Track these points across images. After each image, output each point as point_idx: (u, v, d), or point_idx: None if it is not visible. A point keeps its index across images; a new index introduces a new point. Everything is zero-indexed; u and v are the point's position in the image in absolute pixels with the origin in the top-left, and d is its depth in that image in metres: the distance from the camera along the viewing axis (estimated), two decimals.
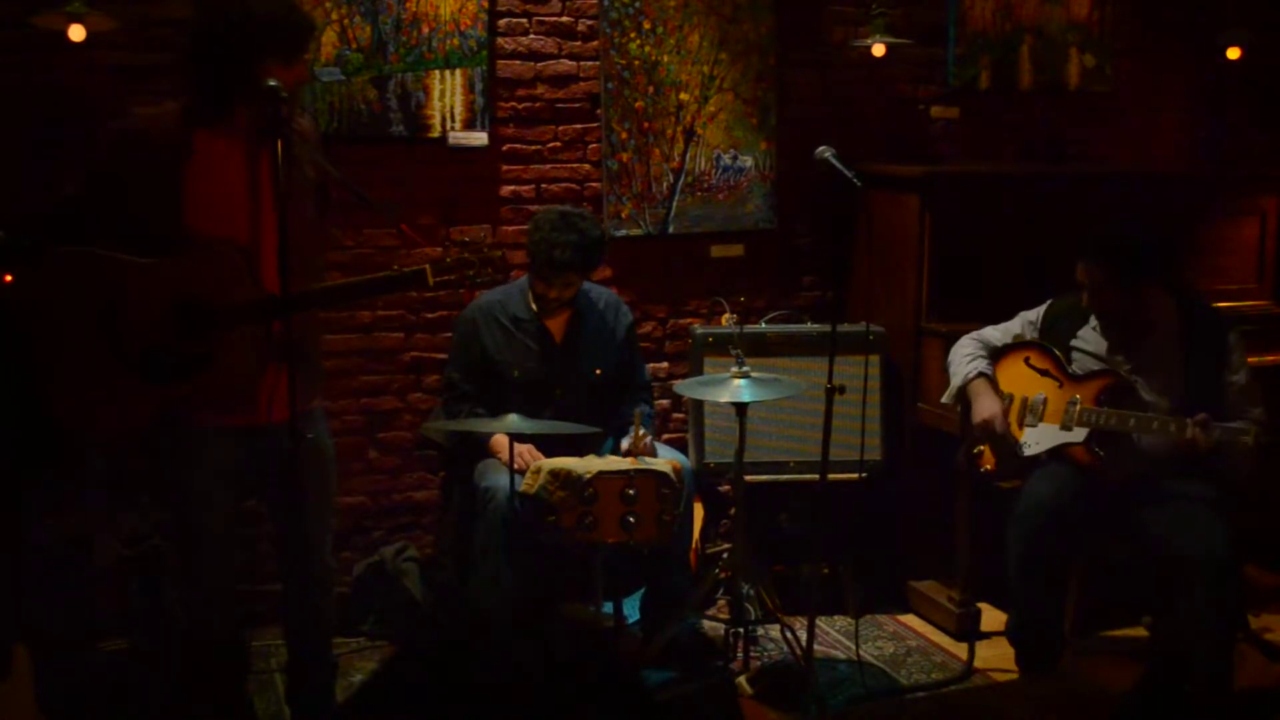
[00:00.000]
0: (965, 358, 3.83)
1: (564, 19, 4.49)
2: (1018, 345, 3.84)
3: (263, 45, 2.89)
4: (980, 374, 3.76)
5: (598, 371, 4.02)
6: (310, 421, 3.15)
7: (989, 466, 3.81)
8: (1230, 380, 3.61)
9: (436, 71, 4.29)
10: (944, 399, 3.90)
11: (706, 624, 4.22)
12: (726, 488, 4.46)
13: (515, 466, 3.68)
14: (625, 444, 3.76)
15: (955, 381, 3.82)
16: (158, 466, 3.23)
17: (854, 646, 4.00)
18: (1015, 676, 3.79)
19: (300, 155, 3.03)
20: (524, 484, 3.57)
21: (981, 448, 3.77)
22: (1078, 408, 3.62)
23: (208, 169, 2.95)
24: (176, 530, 3.33)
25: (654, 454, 3.84)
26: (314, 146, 3.15)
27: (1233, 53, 5.16)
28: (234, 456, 3.09)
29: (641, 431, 3.74)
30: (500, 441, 3.84)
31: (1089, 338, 3.75)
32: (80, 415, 3.01)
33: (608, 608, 3.79)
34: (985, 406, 3.69)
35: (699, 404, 4.30)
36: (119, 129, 3.03)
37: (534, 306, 3.98)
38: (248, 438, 3.07)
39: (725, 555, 4.22)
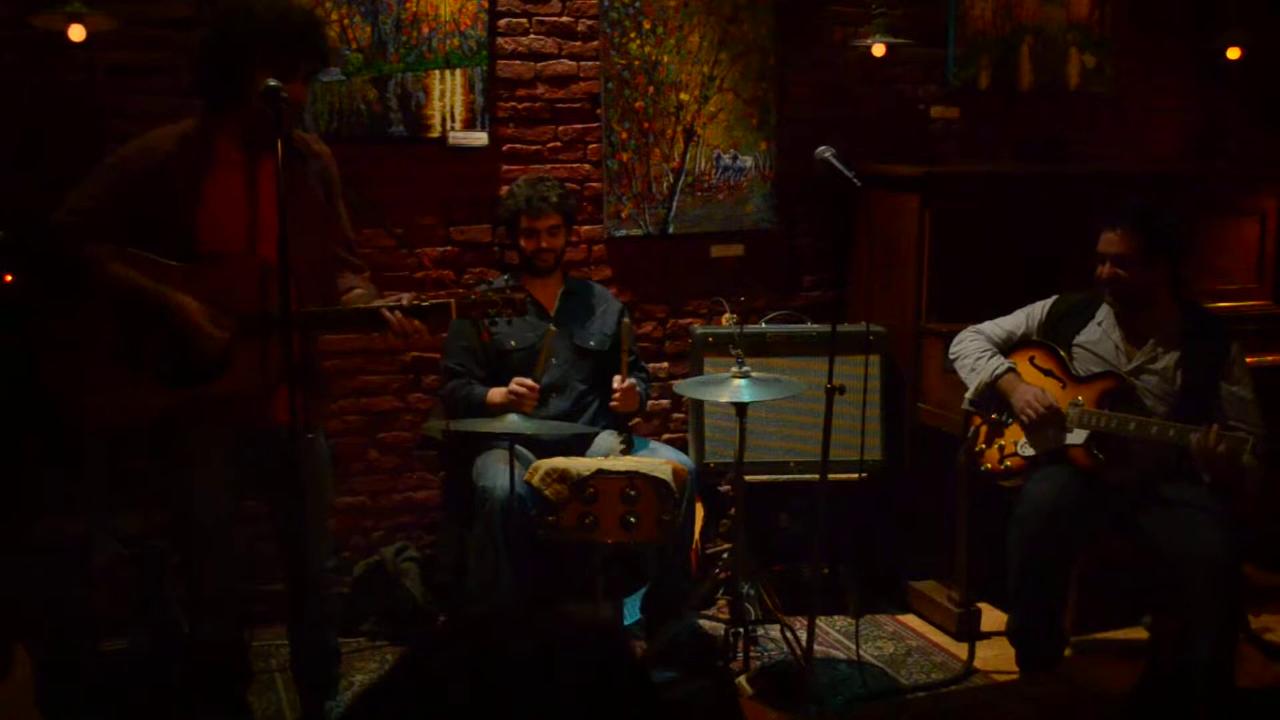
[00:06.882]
0: (983, 354, 3.82)
1: (564, 19, 4.49)
2: (1023, 344, 3.84)
3: (260, 51, 2.91)
4: (1009, 369, 3.76)
5: (591, 343, 4.10)
6: (312, 429, 3.19)
7: (990, 465, 3.81)
8: (1229, 391, 3.60)
9: (436, 71, 4.29)
10: (967, 398, 3.83)
11: (706, 624, 4.22)
12: (726, 488, 4.46)
13: (512, 389, 3.78)
14: (615, 383, 3.91)
15: (981, 377, 3.78)
16: (158, 465, 3.24)
17: (854, 646, 4.00)
18: (1015, 676, 3.79)
19: (310, 173, 3.10)
20: (525, 475, 3.60)
21: (982, 439, 3.78)
22: (1079, 409, 3.62)
23: (220, 182, 3.00)
24: (176, 530, 3.34)
25: (636, 404, 3.96)
26: (325, 165, 3.19)
27: (1233, 53, 5.16)
28: (234, 458, 3.11)
29: (630, 382, 3.88)
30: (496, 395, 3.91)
31: (1094, 335, 3.74)
32: (83, 406, 3.05)
33: None
34: (1031, 391, 3.66)
35: (699, 404, 4.30)
36: (146, 148, 3.02)
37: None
38: (248, 439, 3.09)
39: (725, 555, 4.23)
